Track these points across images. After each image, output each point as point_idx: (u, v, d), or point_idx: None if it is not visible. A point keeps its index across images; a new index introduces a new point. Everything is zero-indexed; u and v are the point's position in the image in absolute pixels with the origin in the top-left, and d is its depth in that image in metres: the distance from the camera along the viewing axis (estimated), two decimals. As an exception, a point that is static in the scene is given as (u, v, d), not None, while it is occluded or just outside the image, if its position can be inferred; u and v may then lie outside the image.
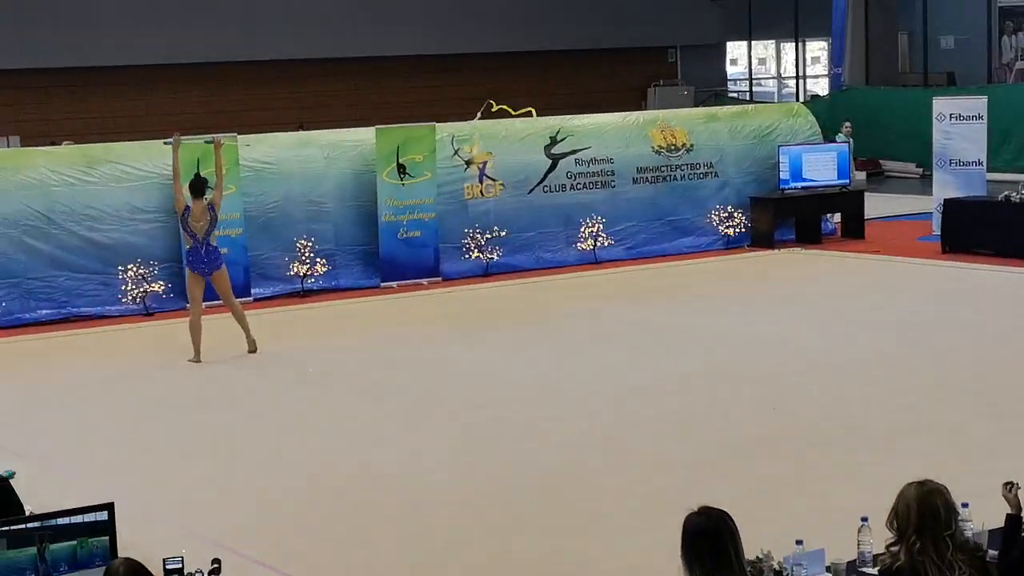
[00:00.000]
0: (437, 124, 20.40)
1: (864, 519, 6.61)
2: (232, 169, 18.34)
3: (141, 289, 17.91)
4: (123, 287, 17.91)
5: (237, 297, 15.95)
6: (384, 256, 19.44)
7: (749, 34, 40.79)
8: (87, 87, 33.15)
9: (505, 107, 22.76)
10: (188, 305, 15.43)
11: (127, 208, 18.21)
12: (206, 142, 16.92)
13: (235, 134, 19.06)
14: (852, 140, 24.24)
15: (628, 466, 10.68)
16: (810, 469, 10.43)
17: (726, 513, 5.52)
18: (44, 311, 17.68)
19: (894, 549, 5.70)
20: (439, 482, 10.50)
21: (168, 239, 18.22)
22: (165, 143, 16.59)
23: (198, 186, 15.07)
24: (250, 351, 15.28)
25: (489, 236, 20.07)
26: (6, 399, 13.73)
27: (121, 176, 18.34)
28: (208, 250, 15.02)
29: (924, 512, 5.64)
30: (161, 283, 18.00)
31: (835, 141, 24.03)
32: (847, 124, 24.40)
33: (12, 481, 8.21)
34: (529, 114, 22.23)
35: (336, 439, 11.86)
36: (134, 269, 17.89)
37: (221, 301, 15.46)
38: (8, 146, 29.89)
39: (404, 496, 10.23)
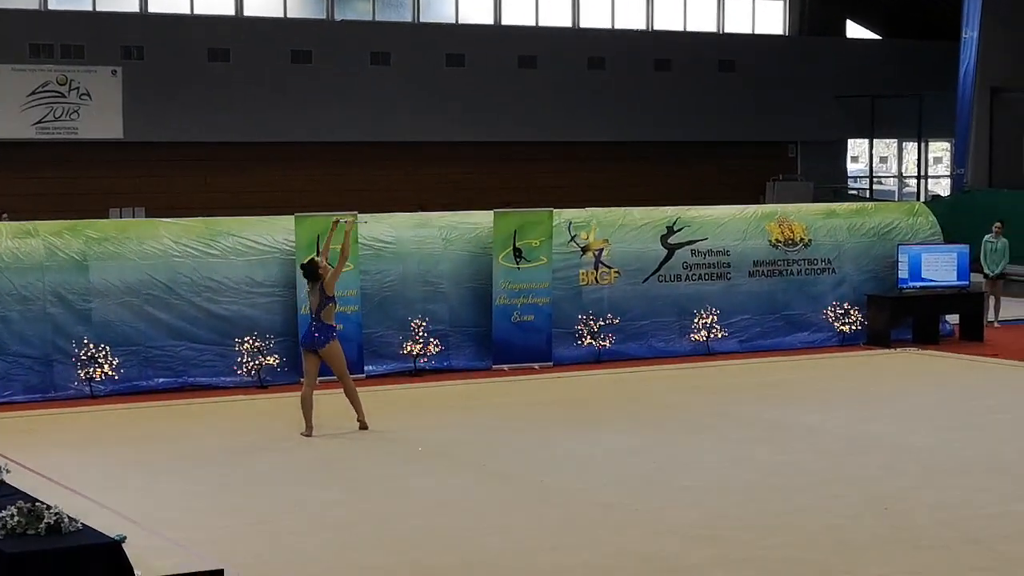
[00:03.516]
0: (555, 210, 20.51)
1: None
2: (351, 247, 18.55)
3: (256, 362, 18.13)
4: (239, 359, 18.14)
5: (351, 373, 16.03)
6: (497, 339, 19.52)
7: (871, 132, 40.66)
8: (212, 162, 33.84)
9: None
10: (302, 379, 15.59)
11: (246, 281, 18.49)
12: (336, 222, 16.79)
13: (356, 212, 19.31)
14: (1000, 240, 23.82)
15: (732, 560, 10.58)
16: (920, 572, 10.25)
17: None
18: (161, 379, 17.95)
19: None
20: (540, 567, 10.47)
21: (285, 313, 18.46)
22: (337, 221, 16.58)
23: (310, 273, 15.30)
24: (360, 428, 15.38)
25: (602, 323, 20.08)
26: (121, 465, 13.93)
27: (242, 249, 18.63)
28: (317, 326, 15.20)
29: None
30: (276, 356, 18.21)
31: (989, 240, 23.84)
32: (997, 224, 24.00)
33: (123, 545, 8.32)
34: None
35: (440, 520, 11.87)
36: (250, 342, 18.13)
37: (335, 377, 15.59)
38: (134, 216, 30.60)
39: (507, 579, 10.22)
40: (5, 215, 28.18)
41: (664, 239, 21.02)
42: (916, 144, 41.15)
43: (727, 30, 40.51)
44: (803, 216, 22.40)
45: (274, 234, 18.84)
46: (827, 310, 21.61)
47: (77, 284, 17.73)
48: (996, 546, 10.91)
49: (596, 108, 37.48)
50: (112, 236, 18.32)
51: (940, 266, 21.91)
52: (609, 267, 20.53)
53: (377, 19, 36.29)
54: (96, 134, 32.49)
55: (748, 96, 39.14)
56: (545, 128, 37.07)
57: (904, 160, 43.27)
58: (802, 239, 21.86)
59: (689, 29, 39.87)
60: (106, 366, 17.46)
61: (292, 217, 18.93)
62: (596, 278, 20.46)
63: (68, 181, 32.51)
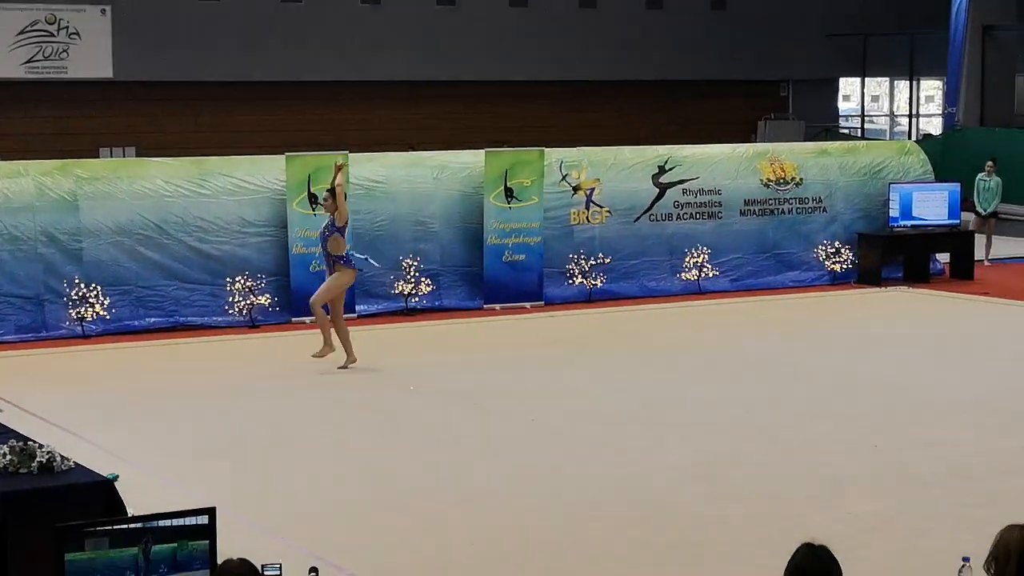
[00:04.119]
0: (546, 149, 20.46)
1: (965, 559, 6.51)
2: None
3: (248, 301, 18.12)
4: (230, 299, 18.13)
5: (345, 313, 16.07)
6: (488, 278, 19.52)
7: (863, 70, 40.49)
8: (202, 102, 33.65)
9: None
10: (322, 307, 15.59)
11: (238, 221, 18.45)
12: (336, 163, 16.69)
13: (347, 152, 19.25)
14: (993, 178, 23.81)
15: (724, 496, 10.63)
16: (910, 508, 10.31)
17: (834, 559, 5.42)
18: (153, 319, 17.94)
19: (992, 593, 5.61)
20: (534, 504, 10.52)
21: (276, 253, 18.44)
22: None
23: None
24: (341, 367, 15.36)
25: (593, 262, 20.08)
26: (113, 404, 13.95)
27: (233, 189, 18.59)
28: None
29: (1024, 556, 5.55)
30: (267, 296, 18.19)
31: (983, 179, 23.88)
32: (990, 163, 23.99)
33: (116, 484, 8.34)
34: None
35: (435, 457, 11.91)
36: (242, 281, 18.11)
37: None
38: (124, 156, 30.45)
39: (500, 516, 10.26)
40: None
41: (655, 178, 20.98)
42: (908, 83, 41.01)
43: (719, -32, 40.28)
44: (794, 155, 22.36)
45: (265, 173, 18.79)
46: (818, 249, 21.62)
47: (68, 224, 17.68)
48: (987, 482, 10.97)
49: (588, 47, 37.27)
50: (102, 176, 18.25)
51: (931, 205, 21.90)
52: (600, 206, 20.49)
53: (367, -43, 36.01)
54: (86, 73, 32.28)
55: (740, 35, 38.92)
56: (536, 68, 36.87)
57: (895, 99, 43.13)
58: (793, 178, 21.83)
59: (681, -33, 39.62)
60: (97, 306, 17.44)
61: (283, 157, 18.88)
62: (587, 217, 20.43)
63: (58, 120, 32.33)
